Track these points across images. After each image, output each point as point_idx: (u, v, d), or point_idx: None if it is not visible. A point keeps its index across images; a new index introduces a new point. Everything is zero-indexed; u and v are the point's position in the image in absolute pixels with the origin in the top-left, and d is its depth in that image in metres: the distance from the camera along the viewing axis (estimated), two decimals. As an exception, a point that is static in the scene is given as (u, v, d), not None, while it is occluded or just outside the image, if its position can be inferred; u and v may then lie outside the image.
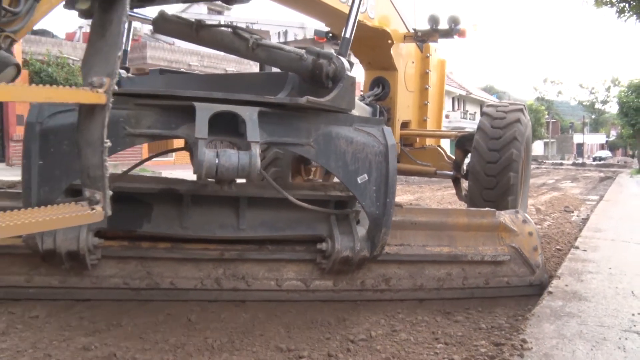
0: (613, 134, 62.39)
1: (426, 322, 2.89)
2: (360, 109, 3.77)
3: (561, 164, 35.22)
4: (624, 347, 2.39)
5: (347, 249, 2.91)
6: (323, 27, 5.15)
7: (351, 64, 2.70)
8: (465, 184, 5.14)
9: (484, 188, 4.48)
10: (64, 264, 2.78)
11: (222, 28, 2.69)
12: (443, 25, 5.14)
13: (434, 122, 6.02)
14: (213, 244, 3.00)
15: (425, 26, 5.19)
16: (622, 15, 10.97)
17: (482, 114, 4.97)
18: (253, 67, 20.14)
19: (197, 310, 2.88)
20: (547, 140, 57.19)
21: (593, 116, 64.58)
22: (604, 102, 61.16)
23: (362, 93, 5.27)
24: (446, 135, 5.98)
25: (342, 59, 2.64)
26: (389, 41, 4.85)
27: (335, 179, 5.86)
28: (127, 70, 3.60)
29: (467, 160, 5.19)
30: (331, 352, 2.44)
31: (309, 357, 2.38)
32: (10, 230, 1.26)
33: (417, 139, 5.88)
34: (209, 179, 2.43)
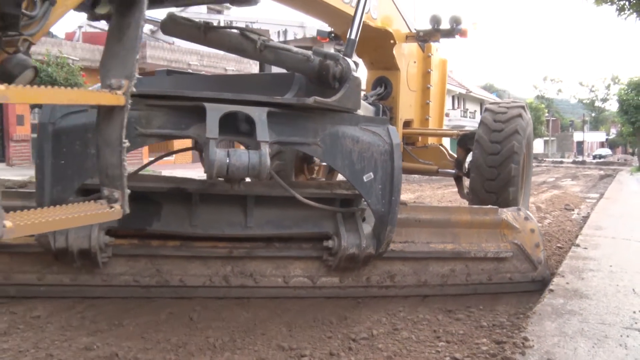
0: (613, 131, 62.40)
1: (427, 321, 2.90)
2: (364, 108, 3.82)
3: (561, 162, 35.25)
4: (626, 345, 2.40)
5: (353, 246, 2.96)
6: (325, 27, 5.21)
7: (357, 65, 2.75)
8: (467, 182, 5.20)
9: (485, 179, 4.54)
10: (76, 262, 2.83)
11: (230, 30, 2.74)
12: (445, 25, 5.21)
13: (436, 121, 6.08)
14: (221, 241, 3.05)
15: (424, 26, 5.26)
16: (622, 13, 11.00)
17: (485, 109, 5.05)
18: (253, 66, 20.21)
19: (198, 309, 2.90)
20: (547, 138, 57.23)
21: (593, 114, 64.59)
22: (604, 100, 61.17)
23: (364, 93, 5.33)
24: (448, 134, 6.04)
25: (348, 59, 2.69)
26: (392, 41, 4.91)
27: (339, 178, 5.93)
28: (134, 71, 3.64)
29: (468, 159, 5.24)
30: (333, 350, 2.45)
31: (311, 356, 2.39)
32: (39, 227, 1.31)
33: (419, 138, 5.94)
34: (218, 178, 2.48)
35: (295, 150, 5.01)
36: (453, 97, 38.01)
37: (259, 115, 2.40)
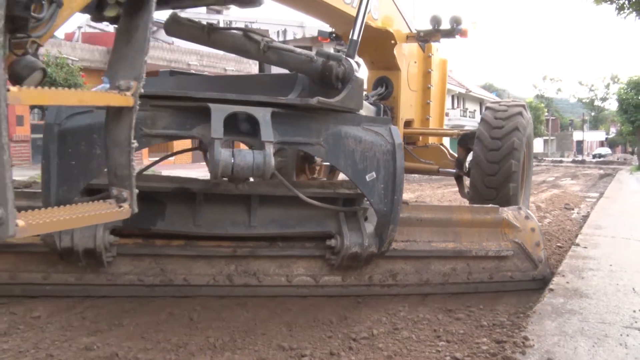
0: (612, 131, 62.47)
1: (428, 320, 2.90)
2: (366, 108, 3.85)
3: (561, 162, 35.26)
4: (626, 344, 2.41)
5: (356, 245, 2.99)
6: (325, 27, 5.23)
7: (359, 65, 2.77)
8: (467, 181, 5.23)
9: (486, 175, 4.58)
10: (81, 262, 2.85)
11: (234, 31, 2.76)
12: (445, 25, 5.24)
13: (436, 121, 6.11)
14: (225, 241, 3.08)
15: (423, 25, 5.30)
16: (622, 12, 11.03)
17: (486, 108, 5.11)
18: (253, 66, 20.24)
19: (198, 309, 2.90)
20: (547, 137, 57.27)
21: (592, 113, 64.62)
22: (604, 99, 61.21)
23: (365, 93, 5.35)
24: (449, 133, 6.07)
25: (351, 60, 2.72)
26: (392, 41, 4.94)
27: (340, 177, 5.96)
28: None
29: (469, 158, 5.28)
30: (333, 350, 2.44)
31: (311, 356, 2.38)
32: (50, 226, 1.34)
33: (420, 138, 5.97)
34: (223, 178, 2.50)
35: (297, 150, 5.03)
36: (452, 97, 38.04)
37: (263, 115, 2.43)
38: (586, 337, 2.46)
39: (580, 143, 59.60)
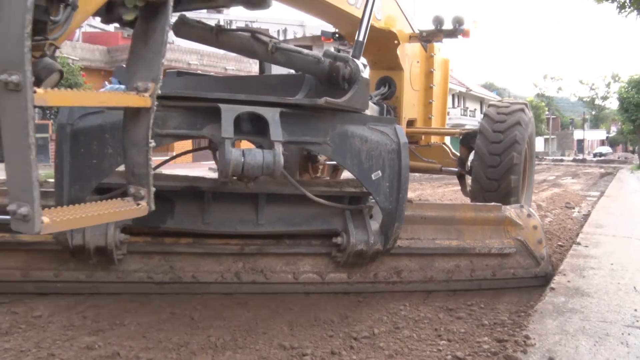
0: (613, 130, 62.43)
1: (429, 319, 2.90)
2: (370, 108, 3.90)
3: (561, 160, 35.25)
4: (627, 343, 2.42)
5: (362, 243, 3.04)
6: (327, 26, 5.28)
7: (365, 66, 2.82)
8: (469, 180, 5.28)
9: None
10: (92, 259, 2.91)
11: (242, 32, 2.81)
12: (447, 25, 5.29)
13: (439, 120, 6.16)
14: (233, 238, 3.13)
15: (423, 24, 5.35)
16: (623, 10, 11.05)
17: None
18: (253, 65, 20.28)
19: (200, 308, 2.92)
20: (548, 136, 57.28)
21: (593, 112, 64.59)
22: (604, 98, 61.17)
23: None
24: (451, 132, 6.12)
25: (357, 61, 2.77)
26: (395, 41, 4.99)
27: (342, 177, 6.01)
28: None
29: (471, 157, 5.33)
30: (334, 349, 2.45)
31: (312, 355, 2.38)
32: (73, 222, 1.39)
33: (423, 137, 6.02)
34: (233, 177, 2.55)
35: (300, 150, 5.08)
36: (453, 96, 38.08)
37: (272, 115, 2.48)
38: (587, 336, 2.47)
39: (581, 142, 59.58)
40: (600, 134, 64.74)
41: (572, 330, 2.53)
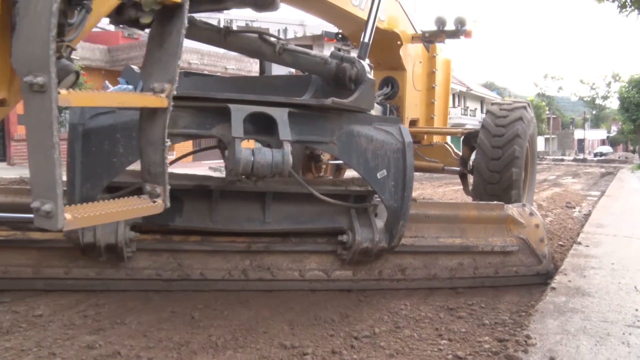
0: (614, 129, 62.42)
1: (429, 319, 2.91)
2: (374, 108, 3.95)
3: (562, 160, 35.24)
4: (628, 342, 2.42)
5: (367, 241, 3.10)
6: (329, 26, 5.33)
7: (371, 67, 2.88)
8: (471, 179, 5.33)
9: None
10: (102, 256, 2.96)
11: (249, 33, 2.86)
12: (449, 26, 5.34)
13: (441, 120, 6.21)
14: (240, 236, 3.19)
15: (425, 25, 5.41)
16: (624, 10, 11.08)
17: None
18: (254, 65, 20.30)
19: (200, 307, 2.93)
20: (548, 136, 57.28)
21: (594, 112, 64.58)
22: (605, 98, 61.16)
23: (371, 92, 5.44)
24: (453, 132, 6.18)
25: (363, 62, 2.82)
26: (398, 42, 5.05)
27: (346, 176, 6.06)
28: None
29: (473, 156, 5.38)
30: (335, 348, 2.45)
31: (313, 354, 2.38)
32: (94, 219, 1.45)
33: (425, 137, 6.07)
34: (242, 176, 2.60)
35: (304, 149, 5.13)
36: (454, 95, 38.08)
37: (280, 115, 2.53)
38: (588, 336, 2.48)
39: (581, 141, 59.56)
40: (601, 133, 64.71)
41: (573, 330, 2.54)
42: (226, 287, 3.19)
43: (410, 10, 5.30)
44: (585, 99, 62.80)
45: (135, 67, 3.76)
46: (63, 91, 1.35)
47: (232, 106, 2.49)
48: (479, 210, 3.69)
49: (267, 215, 3.12)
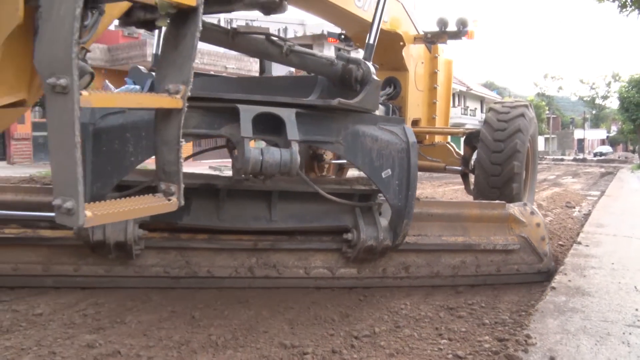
0: (614, 129, 62.46)
1: (429, 318, 2.91)
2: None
3: (562, 160, 35.29)
4: (628, 342, 2.43)
5: (372, 239, 3.15)
6: (330, 26, 5.37)
7: (376, 68, 2.93)
8: (472, 178, 5.38)
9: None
10: (112, 254, 3.00)
11: (257, 35, 2.91)
12: (451, 27, 5.39)
13: (442, 120, 6.26)
14: (247, 235, 3.24)
15: (426, 26, 5.46)
16: (624, 9, 11.12)
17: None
18: (254, 64, 20.34)
19: (200, 307, 2.94)
20: (548, 136, 57.33)
21: (594, 112, 64.65)
22: (605, 98, 61.23)
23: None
24: (454, 132, 6.23)
25: (368, 63, 2.87)
26: (401, 43, 5.09)
27: (348, 175, 6.10)
28: (159, 73, 3.82)
29: (474, 156, 5.43)
30: (335, 348, 2.45)
31: (313, 354, 2.38)
32: (113, 216, 1.50)
33: (427, 136, 6.13)
34: (243, 175, 2.65)
35: (307, 149, 5.18)
36: (454, 95, 38.06)
37: (288, 115, 2.58)
38: (588, 336, 2.49)
39: (581, 141, 59.60)
40: (601, 133, 64.77)
41: (573, 330, 2.55)
42: (233, 284, 3.25)
43: (412, 11, 5.35)
44: (585, 99, 62.86)
45: (142, 68, 3.81)
46: (84, 92, 1.40)
47: (240, 106, 2.54)
48: (481, 209, 3.74)
49: (274, 213, 3.17)
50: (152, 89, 3.60)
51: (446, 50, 6.27)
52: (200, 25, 1.69)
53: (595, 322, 2.68)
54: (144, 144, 2.55)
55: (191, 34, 1.69)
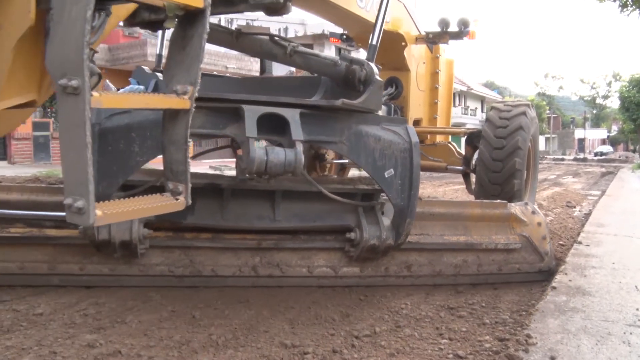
0: (614, 129, 62.47)
1: (430, 318, 2.91)
2: (380, 108, 4.02)
3: (562, 159, 35.26)
4: (629, 342, 2.43)
5: (374, 238, 3.17)
6: (330, 26, 5.39)
7: (379, 69, 2.95)
8: (474, 178, 5.41)
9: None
10: (117, 253, 3.03)
11: (261, 36, 2.94)
12: (453, 27, 5.42)
13: (443, 120, 6.29)
14: (251, 234, 3.26)
15: (424, 21, 5.49)
16: (625, 9, 11.14)
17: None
18: (254, 64, 20.36)
19: (201, 306, 2.94)
20: (549, 135, 57.33)
21: (594, 111, 64.68)
22: (605, 97, 61.29)
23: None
24: (456, 132, 6.26)
25: (372, 64, 2.90)
26: (403, 43, 5.12)
27: (349, 175, 6.13)
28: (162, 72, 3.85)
29: (476, 156, 5.46)
30: (336, 348, 2.45)
31: (314, 353, 2.37)
32: (122, 215, 1.52)
33: (428, 136, 6.15)
34: (248, 175, 2.67)
35: (309, 148, 5.21)
36: (454, 95, 37.98)
37: (292, 115, 2.61)
38: (589, 335, 2.49)
39: (581, 141, 59.60)
40: (601, 133, 64.77)
41: (574, 330, 2.55)
42: (236, 283, 3.27)
43: (413, 10, 5.38)
44: (585, 99, 62.88)
45: (146, 68, 3.84)
46: (95, 93, 1.43)
47: (245, 107, 2.56)
48: (482, 209, 3.76)
49: (277, 213, 3.20)
50: (156, 89, 3.64)
51: (447, 50, 6.30)
52: (208, 26, 1.71)
53: (596, 321, 2.69)
54: (149, 144, 2.57)
55: (198, 36, 1.71)
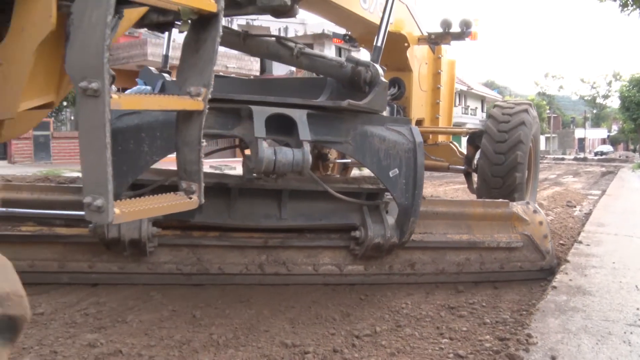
0: (615, 128, 62.50)
1: (430, 317, 2.92)
2: (383, 109, 4.07)
3: (563, 159, 35.27)
4: (629, 341, 2.43)
5: (379, 236, 3.23)
6: (330, 25, 5.43)
7: (384, 70, 3.00)
8: (476, 177, 5.46)
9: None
10: (126, 251, 3.08)
11: (268, 37, 2.99)
12: (455, 28, 5.47)
13: (445, 120, 6.34)
14: (257, 232, 3.31)
15: (429, 27, 5.53)
16: (626, 8, 11.19)
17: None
18: (254, 63, 20.45)
19: (201, 306, 2.95)
20: (549, 135, 57.37)
21: (594, 111, 64.73)
22: (606, 97, 61.35)
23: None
24: (458, 132, 6.31)
25: (377, 65, 2.95)
26: (405, 44, 5.17)
27: (352, 174, 6.18)
28: (169, 73, 3.91)
29: (477, 156, 5.51)
30: (336, 347, 2.45)
31: (314, 353, 2.38)
32: (139, 214, 1.57)
33: (430, 136, 6.21)
34: (255, 174, 2.72)
35: (312, 148, 5.25)
36: (454, 94, 38.11)
37: (299, 116, 2.66)
38: (590, 335, 2.49)
39: (582, 141, 59.64)
40: (602, 132, 64.81)
41: (574, 329, 2.56)
42: (243, 281, 3.32)
43: (415, 10, 5.43)
44: (586, 98, 62.93)
45: (152, 69, 3.89)
46: (114, 95, 1.48)
47: (254, 107, 2.61)
48: (484, 208, 3.82)
49: (283, 212, 3.25)
50: (162, 89, 3.69)
51: (448, 50, 6.35)
52: (221, 30, 1.76)
53: (597, 321, 2.70)
54: (159, 144, 2.62)
55: (212, 39, 1.76)
